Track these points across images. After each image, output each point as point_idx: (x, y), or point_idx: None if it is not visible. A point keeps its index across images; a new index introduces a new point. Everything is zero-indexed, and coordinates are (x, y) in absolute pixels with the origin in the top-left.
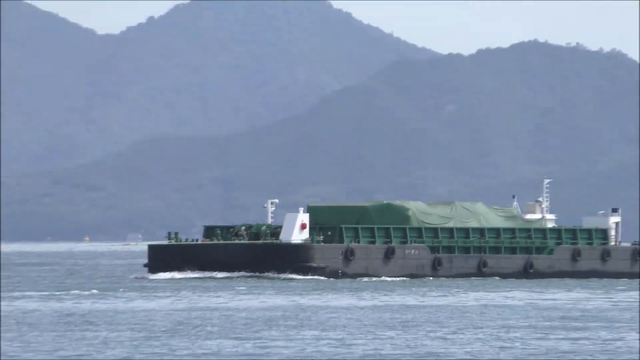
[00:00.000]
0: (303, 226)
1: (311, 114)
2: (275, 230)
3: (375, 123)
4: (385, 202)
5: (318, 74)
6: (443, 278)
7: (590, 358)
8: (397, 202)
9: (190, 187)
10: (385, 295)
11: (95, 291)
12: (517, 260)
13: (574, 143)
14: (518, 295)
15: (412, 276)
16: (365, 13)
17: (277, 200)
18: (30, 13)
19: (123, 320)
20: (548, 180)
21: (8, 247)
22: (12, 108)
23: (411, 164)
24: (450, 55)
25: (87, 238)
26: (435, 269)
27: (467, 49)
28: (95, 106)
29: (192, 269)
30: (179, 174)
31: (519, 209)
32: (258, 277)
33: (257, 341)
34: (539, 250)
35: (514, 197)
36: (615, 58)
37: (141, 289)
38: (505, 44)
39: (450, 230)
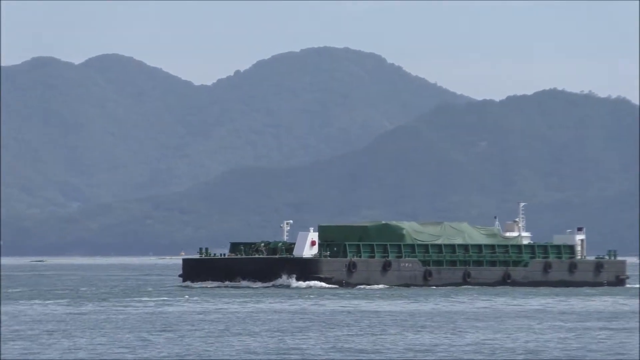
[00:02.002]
0: (313, 243)
1: (367, 149)
2: (290, 247)
3: (420, 157)
4: (383, 222)
5: (373, 117)
6: (433, 287)
7: None
8: (393, 223)
9: (266, 210)
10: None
11: (187, 296)
12: (497, 272)
13: (585, 173)
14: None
15: (406, 286)
16: (414, 66)
17: (291, 221)
18: (140, 68)
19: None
20: (523, 204)
21: (118, 260)
22: (121, 145)
23: (449, 190)
24: (484, 100)
25: (183, 252)
26: (426, 280)
27: (498, 95)
28: (189, 143)
29: (219, 279)
30: (257, 199)
31: (499, 228)
32: (277, 286)
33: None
34: (516, 263)
35: (495, 217)
36: (621, 103)
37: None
38: (529, 91)
39: (439, 247)
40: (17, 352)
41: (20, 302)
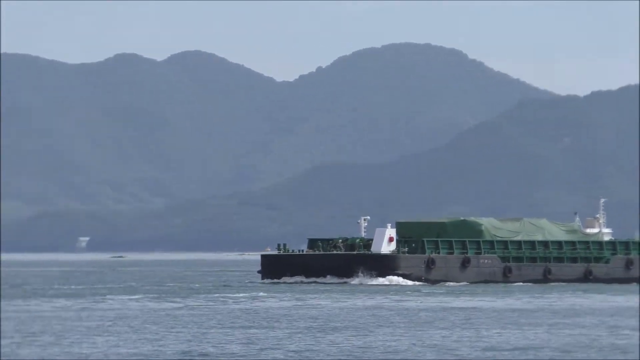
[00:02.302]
0: (390, 239)
1: (451, 145)
2: (368, 243)
3: (503, 152)
4: (461, 218)
5: (456, 112)
6: (519, 283)
7: None
8: (472, 219)
9: (351, 205)
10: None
11: (262, 293)
12: (578, 269)
13: None
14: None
15: (485, 282)
16: (496, 62)
17: (368, 217)
18: (223, 65)
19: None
20: (604, 200)
21: (198, 256)
22: (206, 141)
23: (534, 186)
24: (568, 96)
25: (268, 248)
26: (506, 276)
27: (583, 91)
28: (274, 140)
29: (297, 275)
30: (342, 195)
31: (580, 224)
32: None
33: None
34: (597, 259)
35: (575, 213)
36: None
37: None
38: (614, 86)
39: (519, 243)
40: (104, 347)
41: (108, 297)
